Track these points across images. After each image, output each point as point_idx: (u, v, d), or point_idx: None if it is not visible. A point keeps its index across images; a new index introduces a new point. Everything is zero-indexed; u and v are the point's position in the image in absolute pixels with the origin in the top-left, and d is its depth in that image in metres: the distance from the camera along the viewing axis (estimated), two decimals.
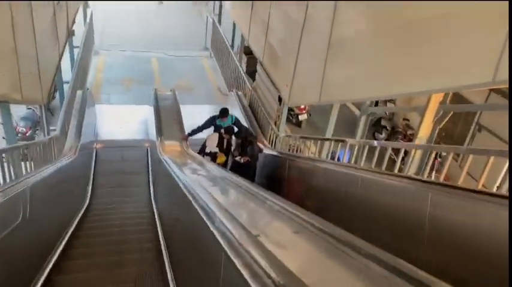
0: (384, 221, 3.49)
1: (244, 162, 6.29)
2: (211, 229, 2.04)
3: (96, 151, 8.63)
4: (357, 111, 10.01)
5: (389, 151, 4.73)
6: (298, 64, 6.62)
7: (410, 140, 9.49)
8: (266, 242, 1.72)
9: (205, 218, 2.26)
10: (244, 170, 6.34)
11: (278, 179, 6.30)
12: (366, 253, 1.58)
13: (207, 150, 6.52)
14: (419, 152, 5.09)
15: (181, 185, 3.91)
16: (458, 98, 8.32)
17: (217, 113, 6.94)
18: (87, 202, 6.96)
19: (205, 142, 6.65)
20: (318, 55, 5.88)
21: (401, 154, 5.37)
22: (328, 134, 6.56)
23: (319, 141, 7.14)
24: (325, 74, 5.71)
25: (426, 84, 4.03)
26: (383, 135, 10.53)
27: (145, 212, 6.69)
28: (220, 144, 6.54)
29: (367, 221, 3.68)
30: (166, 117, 7.97)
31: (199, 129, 7.04)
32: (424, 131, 5.57)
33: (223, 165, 6.46)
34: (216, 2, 13.69)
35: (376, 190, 3.69)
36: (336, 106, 6.37)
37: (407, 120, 10.21)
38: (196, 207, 2.63)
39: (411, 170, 5.74)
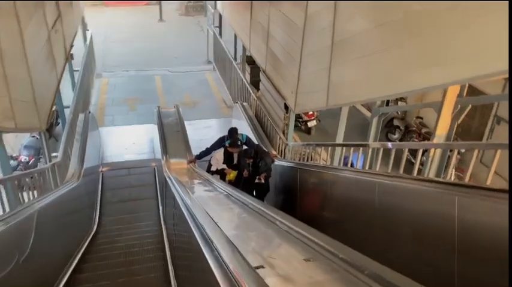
0: (410, 230, 3.17)
1: (263, 179, 5.94)
2: (208, 258, 1.75)
3: (102, 175, 8.42)
4: (367, 113, 9.65)
5: (406, 152, 4.39)
6: (302, 69, 6.34)
7: (425, 138, 9.10)
8: (269, 274, 1.42)
9: (202, 246, 1.99)
10: (258, 188, 6.07)
11: (292, 191, 5.99)
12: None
13: (213, 168, 6.20)
14: (438, 151, 4.74)
15: (183, 208, 3.66)
16: (473, 91, 7.93)
17: (226, 132, 6.61)
18: (94, 229, 6.71)
19: (210, 161, 6.34)
20: (321, 58, 5.60)
21: (419, 155, 5.03)
22: (339, 139, 6.24)
23: (330, 148, 6.83)
24: (331, 77, 5.41)
25: (441, 78, 3.70)
26: (396, 135, 10.16)
27: (155, 236, 6.43)
28: (227, 160, 6.22)
29: (393, 231, 3.36)
30: (171, 135, 7.73)
31: (208, 151, 6.55)
32: (442, 128, 5.22)
33: (236, 182, 6.16)
34: (215, 14, 13.53)
35: (400, 196, 3.37)
36: (345, 109, 6.05)
37: (421, 118, 9.82)
38: (195, 233, 2.37)
39: (431, 171, 5.39)
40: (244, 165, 6.04)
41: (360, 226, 3.83)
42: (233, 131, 6.41)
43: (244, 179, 6.12)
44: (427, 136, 9.01)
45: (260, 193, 6.17)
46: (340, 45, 5.16)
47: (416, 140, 9.38)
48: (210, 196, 5.28)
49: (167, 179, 6.02)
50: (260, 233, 2.44)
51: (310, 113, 10.07)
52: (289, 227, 2.14)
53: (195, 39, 17.84)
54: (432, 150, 4.85)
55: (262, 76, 8.53)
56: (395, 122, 10.10)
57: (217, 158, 6.22)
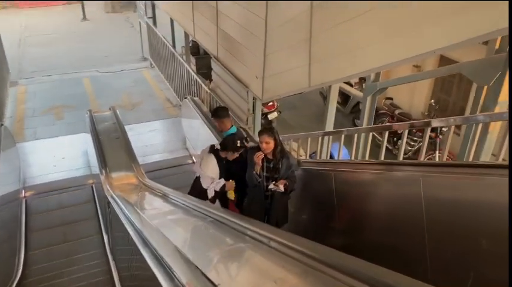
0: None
1: (282, 186, 3.79)
2: None
3: (25, 202, 6.70)
4: (357, 93, 8.39)
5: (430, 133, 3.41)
6: (269, 47, 5.14)
7: (399, 120, 8.28)
8: None
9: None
10: (275, 204, 3.96)
11: (324, 208, 4.30)
12: None
13: (210, 193, 4.07)
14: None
15: (135, 237, 2.79)
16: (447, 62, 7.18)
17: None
18: (20, 272, 5.12)
19: (196, 179, 4.19)
20: (297, 28, 4.43)
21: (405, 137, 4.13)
22: (329, 127, 5.13)
23: (309, 139, 5.70)
24: (313, 49, 4.26)
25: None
26: None
27: (101, 273, 4.96)
28: (226, 173, 4.20)
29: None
30: (110, 143, 6.20)
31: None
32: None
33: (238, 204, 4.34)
34: (147, 4, 11.96)
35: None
36: (335, 90, 4.93)
37: (391, 99, 9.02)
38: (155, 269, 1.95)
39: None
40: (251, 177, 3.93)
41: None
42: (221, 111, 4.86)
43: (254, 194, 4.01)
44: (403, 118, 8.20)
45: (277, 213, 3.98)
46: (323, 7, 4.02)
47: (389, 123, 8.55)
48: (170, 216, 4.03)
49: (110, 199, 4.59)
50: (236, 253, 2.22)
51: (271, 103, 8.93)
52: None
53: (126, 37, 16.07)
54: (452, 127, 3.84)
55: (214, 64, 7.23)
56: (362, 107, 9.23)
57: (210, 168, 4.12)
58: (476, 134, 3.54)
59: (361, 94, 6.35)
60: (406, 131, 4.46)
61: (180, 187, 5.42)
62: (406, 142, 8.21)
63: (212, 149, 4.15)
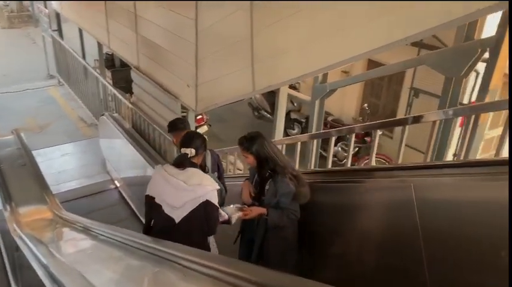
0: None
1: (245, 215, 2.85)
2: None
3: None
4: (304, 97, 7.78)
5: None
6: (202, 50, 4.60)
7: (332, 127, 8.15)
8: None
9: None
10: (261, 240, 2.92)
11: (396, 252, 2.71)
12: None
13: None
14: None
15: None
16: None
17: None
18: None
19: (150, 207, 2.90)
20: (235, 27, 3.96)
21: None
22: (278, 135, 4.67)
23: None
24: (256, 48, 3.80)
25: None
26: (296, 130, 9.10)
27: None
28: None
29: None
30: (14, 171, 5.16)
31: None
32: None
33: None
34: (51, 16, 10.77)
35: None
36: (284, 96, 4.49)
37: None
38: None
39: None
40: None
41: None
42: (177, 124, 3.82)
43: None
44: (336, 124, 8.08)
45: (265, 249, 2.91)
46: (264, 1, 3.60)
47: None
48: (96, 255, 3.27)
49: (19, 241, 3.68)
50: None
51: (199, 117, 8.34)
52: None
53: (28, 54, 14.45)
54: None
55: (135, 75, 6.49)
56: (293, 115, 9.02)
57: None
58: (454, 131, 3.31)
59: (308, 98, 6.05)
60: (353, 135, 4.19)
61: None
62: (342, 148, 8.12)
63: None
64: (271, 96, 9.61)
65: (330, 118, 8.45)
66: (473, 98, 5.89)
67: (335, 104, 8.68)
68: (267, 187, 2.84)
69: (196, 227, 2.66)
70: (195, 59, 4.71)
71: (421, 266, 2.22)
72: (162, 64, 5.60)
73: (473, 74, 6.26)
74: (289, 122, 9.04)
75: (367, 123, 6.42)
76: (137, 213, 6.20)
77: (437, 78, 6.77)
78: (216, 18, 4.26)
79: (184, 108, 5.43)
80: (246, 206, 2.90)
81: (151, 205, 2.75)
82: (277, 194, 2.78)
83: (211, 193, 2.65)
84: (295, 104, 9.03)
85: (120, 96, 7.13)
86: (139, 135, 6.49)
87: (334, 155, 7.81)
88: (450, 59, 3.15)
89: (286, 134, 9.09)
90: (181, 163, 2.75)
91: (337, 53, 3.21)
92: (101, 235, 3.23)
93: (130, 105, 6.70)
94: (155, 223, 2.83)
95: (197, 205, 2.60)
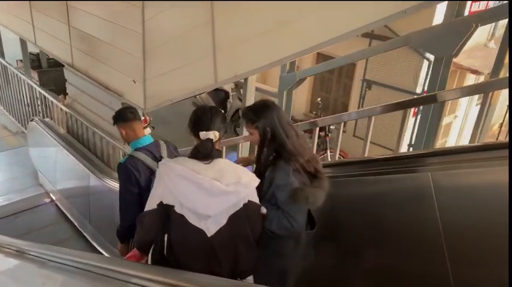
0: None
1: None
2: None
3: None
4: (271, 89, 7.15)
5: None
6: (151, 40, 4.09)
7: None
8: None
9: None
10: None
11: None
12: None
13: None
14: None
15: None
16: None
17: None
18: None
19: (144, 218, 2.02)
20: (192, 10, 3.51)
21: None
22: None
23: None
24: (217, 35, 3.38)
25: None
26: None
27: None
28: None
29: None
30: None
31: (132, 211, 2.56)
32: None
33: None
34: None
35: None
36: (252, 86, 4.05)
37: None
38: None
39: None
40: None
41: None
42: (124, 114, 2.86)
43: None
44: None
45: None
46: None
47: None
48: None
49: None
50: None
51: (142, 118, 7.67)
52: None
53: None
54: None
55: (69, 74, 5.77)
56: (279, 103, 8.69)
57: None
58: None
59: (274, 89, 5.69)
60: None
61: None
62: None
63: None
64: (218, 94, 9.20)
65: None
66: (426, 88, 5.89)
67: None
68: (266, 175, 2.12)
69: (240, 238, 1.94)
70: (142, 51, 4.18)
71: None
72: (102, 59, 4.97)
73: (425, 63, 6.33)
74: (239, 121, 8.67)
75: (323, 117, 6.25)
76: (81, 230, 5.49)
77: (390, 69, 6.79)
78: (166, 4, 3.77)
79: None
80: None
81: (169, 216, 1.88)
82: (272, 184, 2.07)
83: (253, 190, 1.99)
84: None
85: (51, 99, 6.33)
86: (77, 140, 5.78)
87: None
88: (440, 37, 2.96)
89: (236, 133, 8.71)
90: (209, 153, 1.92)
91: (304, 40, 2.89)
92: (41, 257, 2.64)
93: (64, 108, 5.94)
94: (175, 240, 1.89)
95: (238, 209, 1.91)
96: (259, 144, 2.14)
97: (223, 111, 2.38)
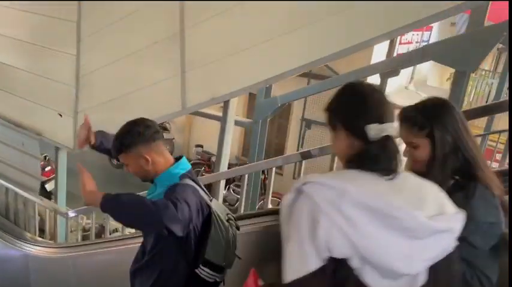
0: None
1: None
2: None
3: None
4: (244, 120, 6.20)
5: None
6: (88, 61, 3.32)
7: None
8: None
9: None
10: None
11: None
12: None
13: None
14: None
15: None
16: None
17: None
18: None
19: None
20: (155, 20, 2.89)
21: None
22: (224, 166, 3.52)
23: None
24: (189, 52, 2.77)
25: None
26: None
27: None
28: None
29: None
30: None
31: None
32: None
33: None
34: None
35: None
36: (233, 110, 3.34)
37: (201, 146, 8.00)
38: None
39: None
40: None
41: None
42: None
43: None
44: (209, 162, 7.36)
45: None
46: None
47: (205, 173, 7.43)
48: None
49: None
50: None
51: (48, 169, 6.50)
52: None
53: None
54: None
55: None
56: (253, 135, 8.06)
57: None
58: None
59: (247, 120, 5.08)
60: None
61: None
62: (233, 190, 7.29)
63: None
64: None
65: (213, 158, 7.60)
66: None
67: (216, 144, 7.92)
68: None
69: None
70: (76, 76, 3.37)
71: None
72: (12, 90, 3.97)
73: None
74: None
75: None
76: None
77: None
78: (114, 17, 3.09)
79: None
80: None
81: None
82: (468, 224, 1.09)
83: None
84: (167, 147, 7.95)
85: None
86: None
87: (224, 200, 6.95)
88: (461, 49, 2.66)
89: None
90: (396, 163, 1.05)
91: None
92: None
93: None
94: None
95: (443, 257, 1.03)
96: (429, 161, 1.34)
97: None
